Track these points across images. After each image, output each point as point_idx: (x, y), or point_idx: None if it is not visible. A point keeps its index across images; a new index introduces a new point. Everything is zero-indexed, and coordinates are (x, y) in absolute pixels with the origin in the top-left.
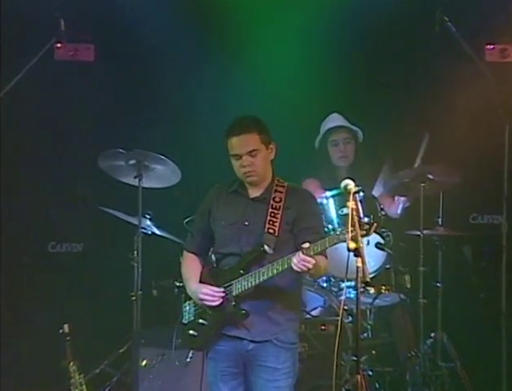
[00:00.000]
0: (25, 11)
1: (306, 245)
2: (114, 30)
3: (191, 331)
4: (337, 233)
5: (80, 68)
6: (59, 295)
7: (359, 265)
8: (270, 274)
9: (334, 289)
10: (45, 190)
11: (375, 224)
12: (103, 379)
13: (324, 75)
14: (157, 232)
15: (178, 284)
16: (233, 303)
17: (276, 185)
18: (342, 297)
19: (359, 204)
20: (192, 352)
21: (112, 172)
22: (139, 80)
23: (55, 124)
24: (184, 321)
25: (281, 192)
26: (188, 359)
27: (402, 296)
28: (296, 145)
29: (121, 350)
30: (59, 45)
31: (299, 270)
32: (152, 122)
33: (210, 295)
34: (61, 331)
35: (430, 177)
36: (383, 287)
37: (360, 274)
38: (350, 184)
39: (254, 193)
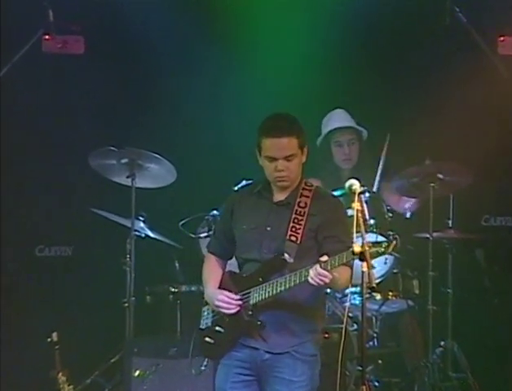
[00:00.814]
0: (11, 1)
1: (324, 258)
2: (106, 21)
3: (207, 339)
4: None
5: (69, 62)
6: (47, 301)
7: (365, 269)
8: (287, 286)
9: (338, 295)
10: (31, 190)
11: (394, 242)
12: (93, 390)
13: (327, 70)
14: (151, 235)
15: (173, 290)
16: (250, 312)
17: (303, 188)
18: (347, 304)
19: (365, 205)
20: (206, 360)
21: (103, 171)
22: (133, 74)
23: (42, 120)
24: (202, 326)
25: (307, 197)
26: (203, 367)
27: (410, 302)
28: None
29: (112, 360)
30: (47, 36)
31: (315, 284)
32: (146, 119)
33: (226, 302)
34: (49, 339)
35: (440, 176)
36: (390, 293)
37: (366, 280)
38: (356, 184)
39: (279, 196)
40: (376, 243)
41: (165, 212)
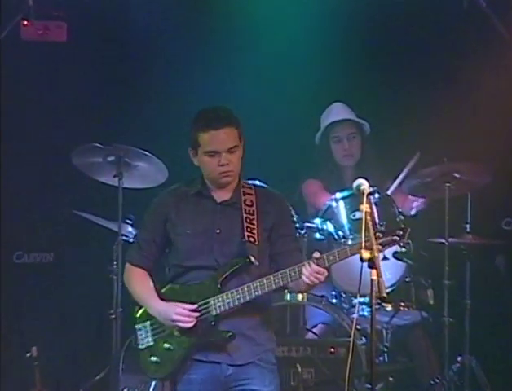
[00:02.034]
0: None
1: (317, 254)
2: (91, 6)
3: (153, 358)
4: (350, 247)
5: (50, 50)
6: (27, 313)
7: (374, 277)
8: (266, 289)
9: (345, 306)
10: (8, 190)
11: (409, 229)
12: None
13: (326, 61)
14: None
15: None
16: (212, 323)
17: (243, 187)
18: (355, 315)
19: (374, 207)
20: (154, 382)
21: (87, 170)
22: (120, 65)
23: (20, 114)
24: (141, 346)
25: (251, 195)
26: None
27: (424, 313)
28: (294, 141)
29: (98, 377)
30: (25, 22)
31: (310, 282)
32: (135, 113)
33: (185, 315)
34: (29, 354)
35: (457, 175)
36: (402, 304)
37: (375, 289)
38: (364, 184)
39: (222, 196)
40: (389, 232)
41: None
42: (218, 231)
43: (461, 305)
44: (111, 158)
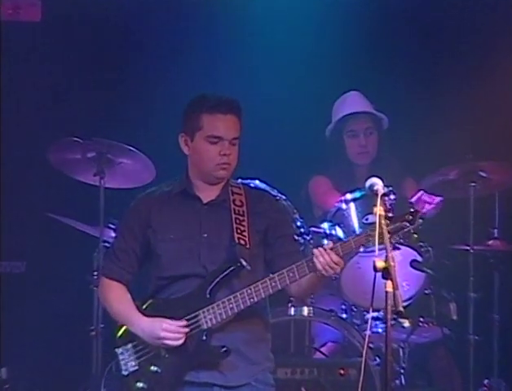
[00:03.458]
0: None
1: (330, 244)
2: None
3: (139, 384)
4: (368, 232)
5: (23, 31)
6: None
7: (390, 289)
8: (264, 294)
9: (356, 322)
10: None
11: (419, 211)
12: None
13: (340, 48)
14: None
15: None
16: (203, 338)
17: (231, 185)
18: (367, 332)
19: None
20: None
21: (64, 168)
22: (101, 49)
23: None
24: (125, 372)
25: (240, 194)
26: None
27: (446, 330)
28: (301, 133)
29: None
30: None
31: (325, 272)
32: (118, 104)
33: (174, 331)
34: None
35: (483, 174)
36: (421, 320)
37: (391, 302)
38: (378, 184)
39: (208, 195)
40: (397, 218)
41: None
42: (205, 235)
43: (489, 321)
44: (91, 154)
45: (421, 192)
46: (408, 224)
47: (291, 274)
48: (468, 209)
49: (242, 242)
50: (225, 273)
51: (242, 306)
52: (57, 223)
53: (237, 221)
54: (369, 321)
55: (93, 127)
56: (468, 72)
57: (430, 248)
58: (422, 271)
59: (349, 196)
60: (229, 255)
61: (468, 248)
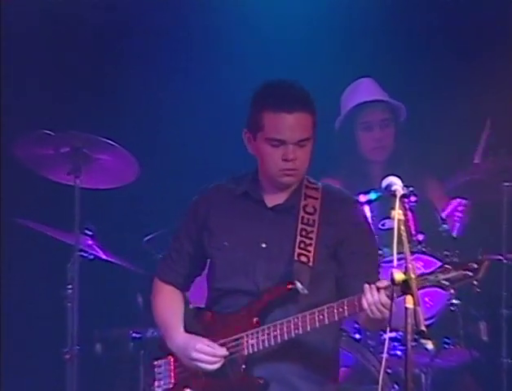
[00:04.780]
0: None
1: (385, 283)
2: None
3: None
4: (436, 275)
5: None
6: None
7: (410, 306)
8: (308, 327)
9: (371, 343)
10: None
11: (486, 262)
12: None
13: (346, 34)
14: (103, 256)
15: (134, 335)
16: (243, 366)
17: (307, 187)
18: (384, 355)
19: (411, 214)
20: None
21: (34, 165)
22: (78, 28)
23: None
24: (158, 390)
25: (315, 198)
26: None
27: (475, 353)
28: None
29: None
30: None
31: (371, 314)
32: (95, 92)
33: (209, 354)
34: None
35: None
36: (446, 341)
37: (411, 321)
38: (396, 184)
39: (275, 199)
40: (460, 265)
41: (122, 223)
42: (263, 245)
43: None
44: (65, 149)
45: (458, 201)
46: (470, 274)
47: (340, 310)
48: (501, 213)
49: (303, 259)
50: (278, 294)
51: (286, 337)
52: (26, 229)
53: (303, 233)
54: (386, 342)
55: (67, 118)
56: (499, 57)
57: (456, 258)
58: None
59: (362, 198)
60: (288, 272)
61: (501, 257)
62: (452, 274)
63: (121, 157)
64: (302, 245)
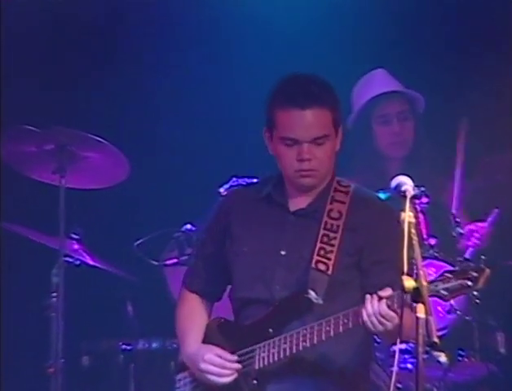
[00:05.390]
0: None
1: (388, 292)
2: None
3: None
4: (436, 284)
5: None
6: None
7: (421, 315)
8: (315, 340)
9: (380, 355)
10: None
11: (486, 270)
12: None
13: (360, 20)
14: (90, 262)
15: (124, 348)
16: (254, 381)
17: (335, 190)
18: (394, 369)
19: (422, 217)
20: None
21: (16, 163)
22: (63, 16)
23: None
24: None
25: (342, 203)
26: None
27: (492, 367)
28: None
29: None
30: None
31: (372, 327)
32: (83, 85)
33: (218, 364)
34: None
35: None
36: (461, 353)
37: (423, 331)
38: (406, 184)
39: (298, 202)
40: (459, 272)
41: (111, 226)
42: (283, 252)
43: None
44: (49, 146)
45: (477, 225)
46: (469, 283)
47: (345, 321)
48: None
49: (322, 267)
50: (293, 304)
51: (294, 349)
52: (7, 233)
53: (324, 239)
54: (397, 355)
55: (52, 113)
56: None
57: (471, 264)
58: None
59: None
60: (306, 281)
61: None
62: (452, 283)
63: (111, 155)
64: (321, 252)
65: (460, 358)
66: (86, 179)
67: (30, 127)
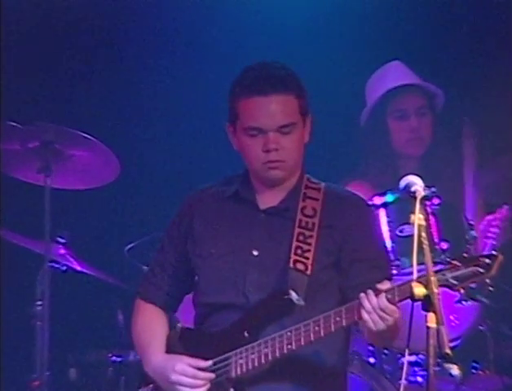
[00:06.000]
0: None
1: (387, 285)
2: None
3: None
4: (443, 273)
5: None
6: None
7: (432, 325)
8: (303, 341)
9: (388, 368)
10: None
11: (499, 256)
12: None
13: (373, 13)
14: (77, 267)
15: (114, 359)
16: (231, 390)
17: (306, 187)
18: (402, 382)
19: (433, 219)
20: None
21: None
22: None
23: None
24: None
25: (315, 199)
26: None
27: (507, 380)
28: (331, 124)
29: None
30: None
31: (373, 325)
32: (69, 80)
33: (191, 375)
34: None
35: None
36: (474, 365)
37: (434, 342)
38: (416, 184)
39: (269, 200)
40: (469, 260)
41: (100, 229)
42: (255, 253)
43: None
44: (33, 144)
45: (494, 215)
46: (481, 271)
47: (337, 319)
48: None
49: (300, 266)
50: (270, 307)
51: (278, 354)
52: None
53: (300, 238)
54: (405, 367)
55: (36, 109)
56: None
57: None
58: (475, 301)
59: (377, 201)
60: (283, 282)
61: None
62: (462, 271)
63: (100, 154)
64: (298, 251)
65: (473, 371)
66: (72, 179)
67: (13, 123)
